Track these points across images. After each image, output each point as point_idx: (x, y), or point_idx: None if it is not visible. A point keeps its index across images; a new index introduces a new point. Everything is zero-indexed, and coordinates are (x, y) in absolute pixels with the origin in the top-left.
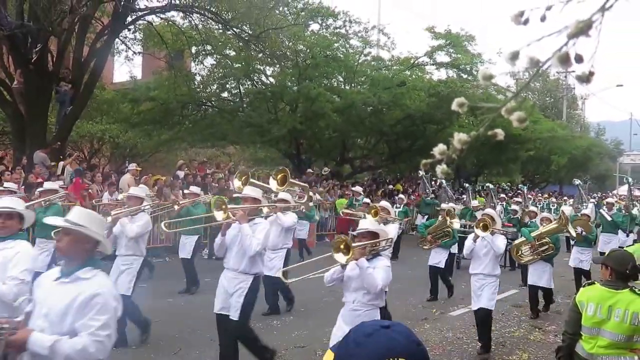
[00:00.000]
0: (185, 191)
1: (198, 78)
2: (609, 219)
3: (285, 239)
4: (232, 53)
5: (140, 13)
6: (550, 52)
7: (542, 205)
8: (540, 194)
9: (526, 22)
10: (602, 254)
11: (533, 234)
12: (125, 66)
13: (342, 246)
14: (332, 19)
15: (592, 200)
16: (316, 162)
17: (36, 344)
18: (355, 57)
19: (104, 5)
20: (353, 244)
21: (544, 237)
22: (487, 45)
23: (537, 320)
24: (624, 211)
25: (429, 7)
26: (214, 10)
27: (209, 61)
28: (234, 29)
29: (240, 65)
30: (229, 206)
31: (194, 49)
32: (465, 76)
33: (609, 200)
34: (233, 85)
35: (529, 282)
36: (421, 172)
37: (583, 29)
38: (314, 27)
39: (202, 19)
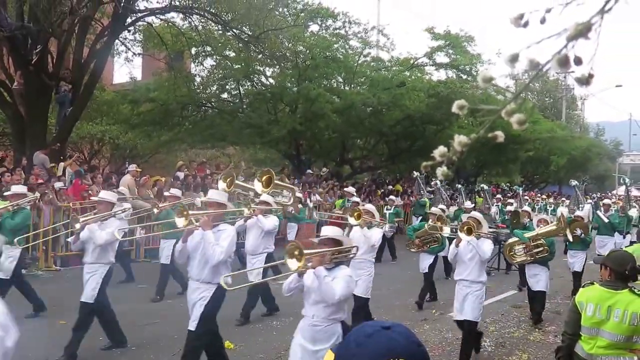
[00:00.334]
0: (166, 193)
1: (198, 79)
2: (606, 220)
3: (266, 242)
4: (232, 54)
5: (140, 14)
6: (550, 53)
7: (539, 206)
8: (539, 195)
9: (526, 24)
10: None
11: (529, 235)
12: (125, 67)
13: (296, 252)
14: (332, 19)
15: (589, 201)
16: (316, 163)
17: None
18: (354, 57)
19: (103, 6)
20: (307, 251)
21: (539, 239)
22: (486, 46)
23: None
24: (620, 212)
25: (428, 7)
26: (213, 11)
27: (209, 62)
28: (234, 30)
29: (240, 66)
30: (190, 212)
31: (193, 50)
32: (464, 77)
33: (606, 201)
34: (233, 86)
35: (529, 284)
36: (415, 173)
37: (582, 31)
38: (314, 28)
39: (202, 20)
